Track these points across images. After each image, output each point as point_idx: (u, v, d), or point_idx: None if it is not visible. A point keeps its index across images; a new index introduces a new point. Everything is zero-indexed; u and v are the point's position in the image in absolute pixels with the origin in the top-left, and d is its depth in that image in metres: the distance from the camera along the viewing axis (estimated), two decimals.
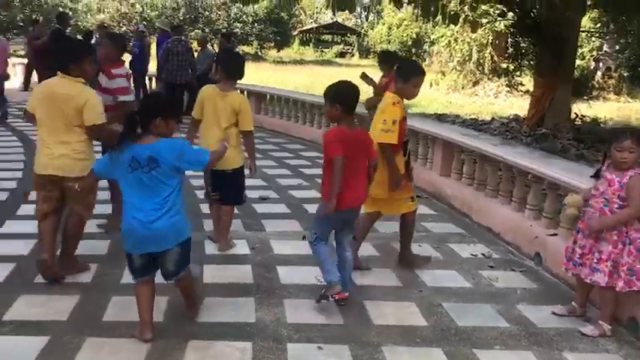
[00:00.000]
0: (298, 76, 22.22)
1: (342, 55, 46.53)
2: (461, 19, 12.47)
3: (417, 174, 6.90)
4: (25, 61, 15.33)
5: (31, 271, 4.05)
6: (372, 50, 43.42)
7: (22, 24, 24.35)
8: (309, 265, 4.32)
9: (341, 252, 3.91)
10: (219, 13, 36.41)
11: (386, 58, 7.54)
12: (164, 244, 3.18)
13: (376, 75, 7.58)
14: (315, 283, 4.09)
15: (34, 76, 13.70)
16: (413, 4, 12.22)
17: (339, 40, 51.62)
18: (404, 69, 4.46)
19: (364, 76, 7.54)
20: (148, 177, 3.08)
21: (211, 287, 4.02)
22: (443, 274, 4.50)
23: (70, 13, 27.66)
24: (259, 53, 39.65)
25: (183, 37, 11.29)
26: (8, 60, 11.41)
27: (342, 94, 3.74)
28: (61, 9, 27.00)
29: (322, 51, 47.42)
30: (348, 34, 50.96)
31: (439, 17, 11.44)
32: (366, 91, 6.21)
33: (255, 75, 19.08)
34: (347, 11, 47.31)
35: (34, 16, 22.20)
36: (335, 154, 3.60)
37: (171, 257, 3.23)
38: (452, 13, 11.53)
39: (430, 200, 6.51)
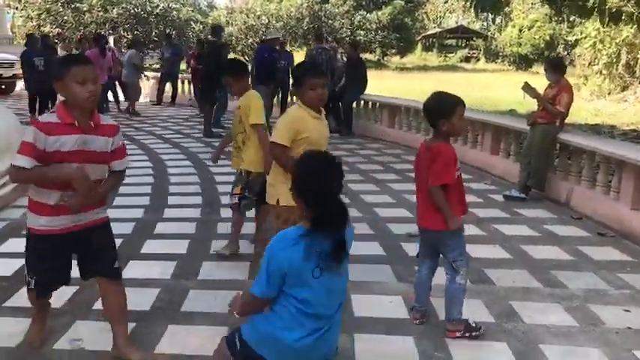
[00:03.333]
0: (423, 82, 21.11)
1: (467, 59, 44.74)
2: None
3: (598, 207, 5.78)
4: (158, 75, 15.66)
5: None
6: (500, 54, 41.23)
7: (156, 39, 25.30)
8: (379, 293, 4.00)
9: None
10: (343, 21, 36.11)
11: (555, 66, 6.44)
12: None
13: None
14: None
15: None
16: (555, 2, 10.90)
17: (464, 45, 49.82)
18: None
19: (527, 87, 6.49)
20: None
21: None
22: None
23: (201, 26, 28.51)
24: (382, 60, 38.92)
25: (327, 46, 10.78)
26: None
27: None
28: (192, 23, 27.92)
29: (446, 56, 45.92)
30: (474, 38, 49.01)
31: (575, 16, 10.10)
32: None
33: (379, 83, 18.31)
34: (475, 14, 45.54)
35: (167, 31, 22.96)
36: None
37: None
38: (613, 10, 10.10)
39: (618, 241, 5.29)
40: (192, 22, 28.33)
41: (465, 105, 3.33)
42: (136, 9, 25.54)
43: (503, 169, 7.60)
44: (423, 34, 50.14)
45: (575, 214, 6.07)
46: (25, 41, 13.41)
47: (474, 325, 3.45)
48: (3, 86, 17.29)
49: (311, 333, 2.17)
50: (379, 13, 37.61)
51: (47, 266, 2.92)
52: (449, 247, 3.40)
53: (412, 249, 4.92)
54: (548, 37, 38.45)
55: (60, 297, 3.51)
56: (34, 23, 24.94)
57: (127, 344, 3.07)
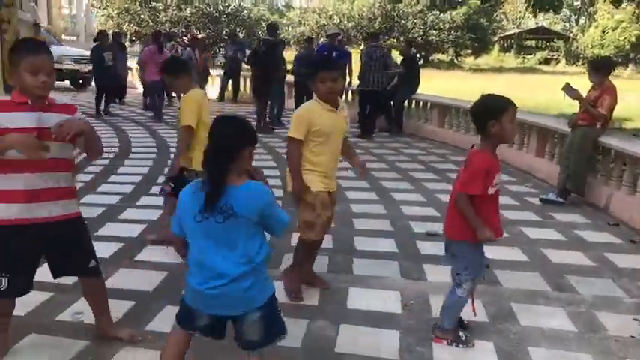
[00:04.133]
0: (493, 83, 20.57)
1: (546, 61, 43.23)
2: None
3: (635, 213, 5.54)
4: (222, 72, 16.12)
5: None
6: (581, 56, 39.54)
7: (227, 37, 26.03)
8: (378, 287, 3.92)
9: None
10: (415, 21, 35.73)
11: (598, 67, 6.19)
12: None
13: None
14: None
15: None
16: None
17: (544, 46, 48.11)
18: None
19: (568, 88, 6.28)
20: None
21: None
22: None
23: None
24: (455, 61, 38.22)
25: (378, 44, 10.82)
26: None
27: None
28: (262, 23, 28.50)
29: (524, 57, 44.51)
30: (555, 39, 47.25)
31: None
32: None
33: (444, 84, 18.05)
34: (553, 14, 43.63)
35: (237, 30, 23.58)
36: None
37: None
38: None
39: None
40: (262, 22, 28.94)
41: (516, 107, 3.02)
42: (208, 8, 26.38)
43: (547, 172, 7.36)
44: (501, 35, 48.79)
45: (612, 220, 5.83)
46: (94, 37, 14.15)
47: (463, 337, 3.31)
48: (81, 80, 18.29)
49: (202, 282, 2.34)
50: (453, 13, 36.92)
51: (17, 262, 2.80)
52: (456, 258, 3.26)
53: (426, 247, 4.91)
54: (633, 39, 36.61)
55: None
56: (114, 22, 26.31)
57: (111, 326, 3.23)
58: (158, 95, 12.54)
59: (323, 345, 3.26)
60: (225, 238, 2.31)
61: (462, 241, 3.17)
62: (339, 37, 11.82)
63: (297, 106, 7.71)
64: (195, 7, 26.01)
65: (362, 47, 27.35)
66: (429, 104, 11.08)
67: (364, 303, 3.82)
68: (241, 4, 27.80)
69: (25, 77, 2.63)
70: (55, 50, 16.26)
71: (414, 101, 11.53)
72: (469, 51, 39.53)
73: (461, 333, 3.33)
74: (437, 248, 4.89)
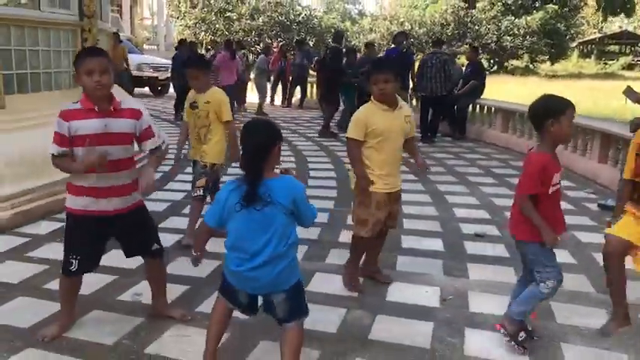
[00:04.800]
0: (569, 90, 19.91)
1: (629, 67, 41.27)
2: None
3: None
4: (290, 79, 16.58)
5: None
6: None
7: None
8: (419, 283, 4.02)
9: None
10: (489, 27, 35.10)
11: None
12: None
13: None
14: None
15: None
16: None
17: (628, 51, 45.98)
18: None
19: (629, 91, 6.14)
20: None
21: (376, 346, 3.38)
22: None
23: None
24: (530, 67, 37.24)
25: (440, 50, 10.87)
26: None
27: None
28: (332, 30, 28.89)
29: (606, 63, 42.72)
30: None
31: None
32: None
33: (518, 89, 17.73)
34: (604, 17, 41.29)
35: (307, 38, 24.06)
36: None
37: None
38: None
39: None
40: (332, 30, 29.34)
41: (574, 108, 3.08)
42: (280, 17, 27.07)
43: (610, 178, 7.20)
44: (581, 40, 47.06)
45: None
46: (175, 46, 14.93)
47: (521, 337, 3.22)
48: (159, 88, 19.25)
49: (239, 264, 2.61)
50: (528, 18, 35.99)
51: (86, 246, 3.17)
52: (528, 258, 3.27)
53: (473, 247, 4.98)
54: None
55: (136, 260, 4.09)
56: (191, 31, 27.48)
57: (166, 306, 3.55)
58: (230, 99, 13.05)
59: (357, 332, 3.44)
60: (262, 225, 2.56)
61: (529, 241, 3.20)
62: (404, 41, 11.82)
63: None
64: (268, 16, 26.79)
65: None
66: (492, 109, 11.00)
67: (403, 296, 3.96)
68: (312, 12, 28.29)
69: (83, 79, 2.97)
70: (135, 59, 17.30)
71: (477, 106, 11.46)
72: (545, 57, 38.43)
73: (522, 333, 3.27)
74: (483, 248, 5.00)
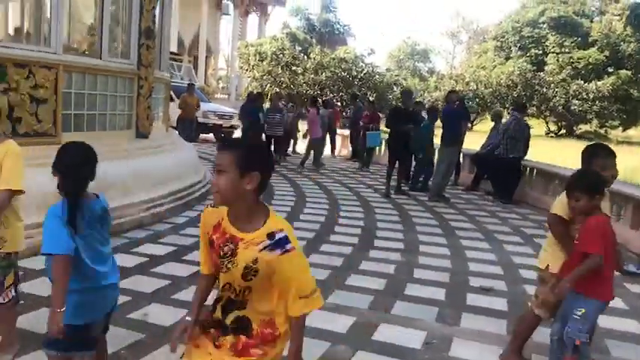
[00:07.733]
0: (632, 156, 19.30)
1: None
2: None
3: None
4: (346, 132, 17.20)
5: None
6: None
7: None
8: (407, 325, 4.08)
9: None
10: (557, 90, 34.82)
11: None
12: None
13: None
14: None
15: None
16: None
17: None
18: None
19: None
20: None
21: None
22: None
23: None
24: (600, 132, 36.43)
25: (518, 115, 11.14)
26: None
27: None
28: (394, 87, 29.61)
29: None
30: None
31: None
32: None
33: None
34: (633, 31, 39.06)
35: (367, 94, 24.78)
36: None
37: None
38: None
39: None
40: (395, 86, 30.04)
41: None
42: (342, 72, 28.05)
43: None
44: None
45: None
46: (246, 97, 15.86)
47: None
48: (222, 134, 20.22)
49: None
50: (599, 82, 35.48)
51: None
52: (575, 317, 3.25)
53: (474, 300, 5.12)
54: None
55: (149, 286, 4.51)
56: (257, 83, 28.83)
57: None
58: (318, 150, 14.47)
59: None
60: None
61: (591, 298, 3.24)
62: (456, 98, 11.95)
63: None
64: (331, 71, 27.81)
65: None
66: (535, 171, 11.02)
67: (388, 337, 4.16)
68: (374, 69, 29.19)
69: None
70: (203, 106, 18.39)
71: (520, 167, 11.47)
72: (616, 122, 37.55)
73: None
74: (484, 301, 5.12)
